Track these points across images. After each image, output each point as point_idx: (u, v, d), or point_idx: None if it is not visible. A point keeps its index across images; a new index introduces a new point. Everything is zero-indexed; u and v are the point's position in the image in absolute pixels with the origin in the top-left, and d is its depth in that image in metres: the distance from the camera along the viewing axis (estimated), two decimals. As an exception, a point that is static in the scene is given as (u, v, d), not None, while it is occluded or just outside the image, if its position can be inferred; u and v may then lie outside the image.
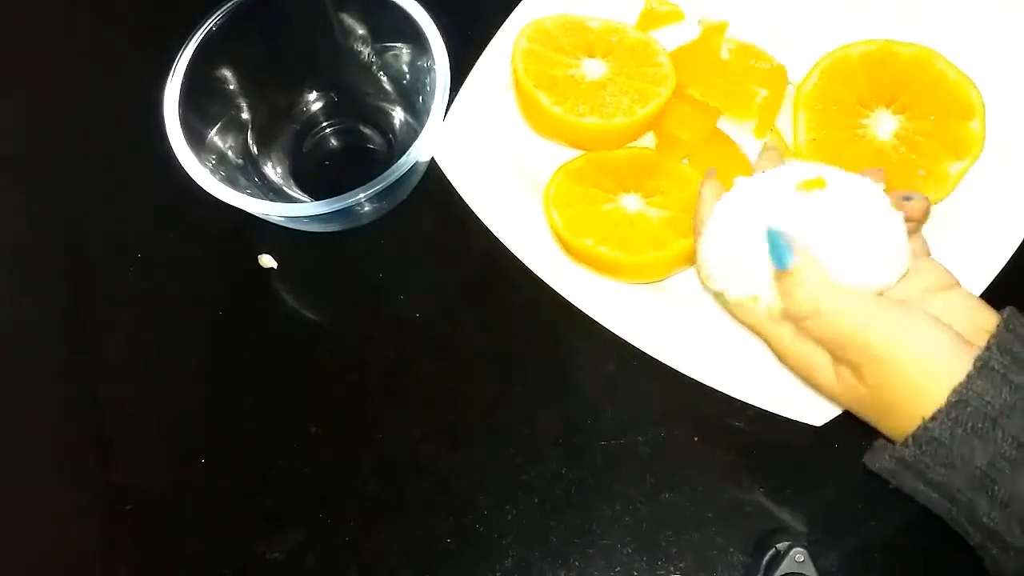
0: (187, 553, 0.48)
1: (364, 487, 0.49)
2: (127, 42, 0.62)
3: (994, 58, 0.49)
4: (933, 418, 0.34)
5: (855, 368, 0.37)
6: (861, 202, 0.39)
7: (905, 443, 0.35)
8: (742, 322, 0.42)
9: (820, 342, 0.39)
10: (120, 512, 0.49)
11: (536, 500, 0.48)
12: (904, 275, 0.39)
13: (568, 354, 0.51)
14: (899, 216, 0.39)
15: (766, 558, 0.44)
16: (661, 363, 0.47)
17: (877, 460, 0.37)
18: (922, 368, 0.35)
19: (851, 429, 0.47)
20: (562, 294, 0.48)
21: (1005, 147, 0.48)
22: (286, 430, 0.50)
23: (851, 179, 0.39)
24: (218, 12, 0.50)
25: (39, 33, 0.63)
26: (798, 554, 0.42)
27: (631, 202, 0.49)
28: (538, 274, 0.49)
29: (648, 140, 0.53)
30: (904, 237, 0.39)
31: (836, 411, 0.46)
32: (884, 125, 0.49)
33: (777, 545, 0.44)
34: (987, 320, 0.37)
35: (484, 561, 0.47)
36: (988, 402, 0.33)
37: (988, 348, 0.34)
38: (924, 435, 0.34)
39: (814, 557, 0.42)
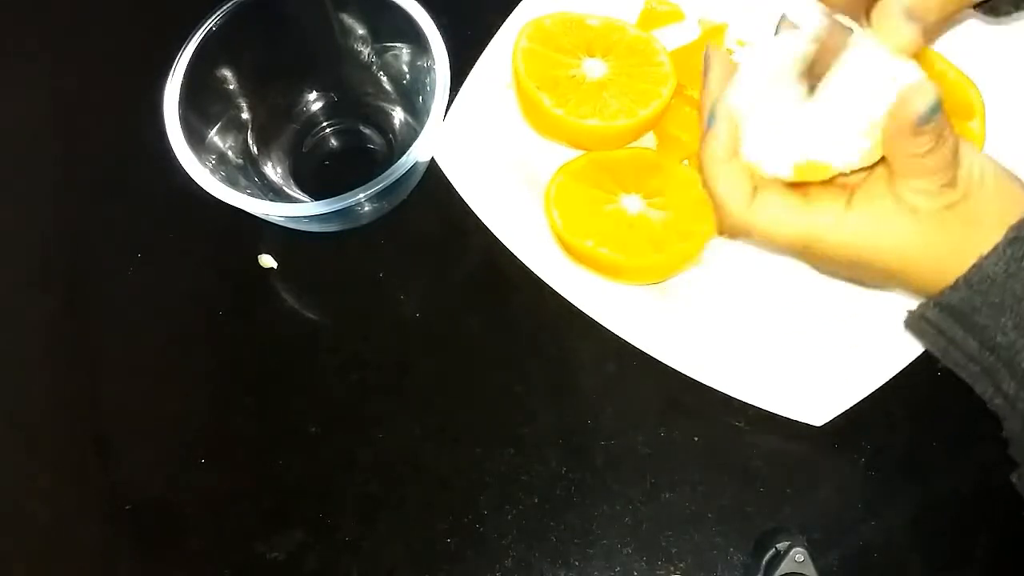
0: (187, 553, 0.48)
1: (364, 487, 0.49)
2: (127, 42, 0.62)
3: (994, 58, 0.49)
4: (987, 256, 0.34)
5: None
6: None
7: (955, 286, 0.35)
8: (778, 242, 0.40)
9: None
10: (120, 512, 0.49)
11: (536, 500, 0.48)
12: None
13: (568, 354, 0.51)
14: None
15: (766, 558, 0.44)
16: (661, 363, 0.47)
17: (919, 311, 0.37)
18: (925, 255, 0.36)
19: (851, 429, 0.47)
20: (562, 294, 0.48)
21: (1005, 147, 0.48)
22: (286, 430, 0.50)
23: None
24: (218, 12, 0.50)
25: (39, 33, 0.63)
26: (798, 554, 0.42)
27: (632, 203, 0.49)
28: (538, 274, 0.49)
29: (649, 140, 0.53)
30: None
31: (836, 411, 0.46)
32: (884, 125, 0.49)
33: (777, 545, 0.44)
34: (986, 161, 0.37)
35: (484, 561, 0.47)
36: None
37: None
38: (976, 273, 0.34)
39: (814, 557, 0.42)
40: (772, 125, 0.38)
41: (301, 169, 0.56)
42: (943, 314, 0.36)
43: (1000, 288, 0.34)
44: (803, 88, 0.39)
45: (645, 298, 0.49)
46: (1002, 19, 0.46)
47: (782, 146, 0.38)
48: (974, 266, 0.34)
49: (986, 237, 0.35)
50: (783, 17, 0.41)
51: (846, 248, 0.38)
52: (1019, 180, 0.37)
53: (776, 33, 0.41)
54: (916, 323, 0.38)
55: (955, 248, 0.36)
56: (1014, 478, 0.38)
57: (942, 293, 0.36)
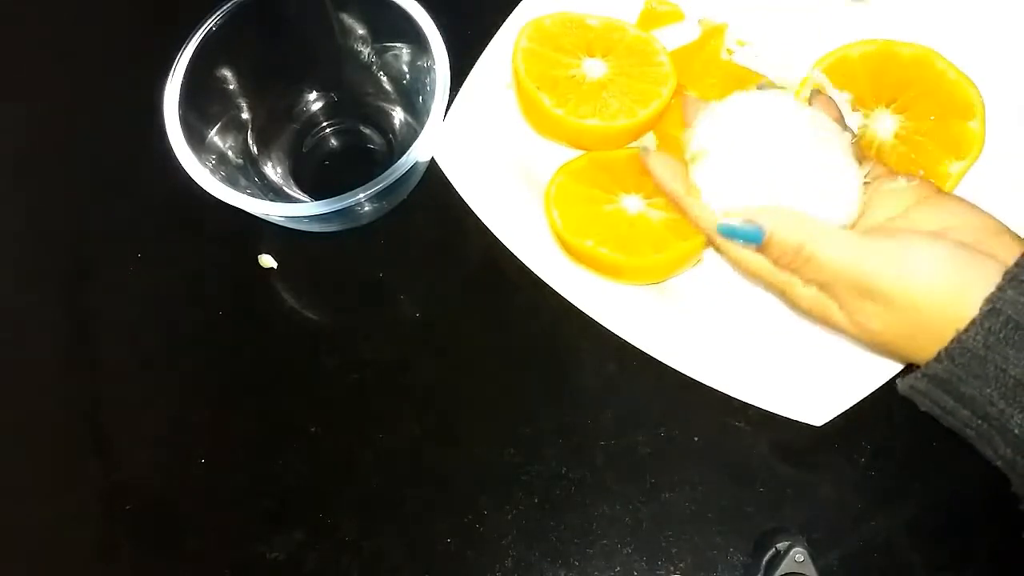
0: (187, 553, 0.48)
1: (364, 487, 0.49)
2: (127, 42, 0.62)
3: (994, 58, 0.49)
4: (966, 330, 0.34)
5: (865, 303, 0.37)
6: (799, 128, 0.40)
7: (938, 358, 0.35)
8: (751, 276, 0.42)
9: (821, 286, 0.39)
10: (120, 512, 0.49)
11: (536, 500, 0.48)
12: (865, 205, 0.40)
13: (568, 354, 0.51)
14: (838, 143, 0.40)
15: (766, 558, 0.44)
16: (661, 363, 0.47)
17: (909, 381, 0.37)
18: (933, 289, 0.35)
19: (851, 429, 0.47)
20: (562, 294, 0.48)
21: (1005, 147, 0.48)
22: (286, 430, 0.50)
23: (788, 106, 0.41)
24: (218, 12, 0.50)
25: (39, 33, 0.63)
26: (798, 554, 0.42)
27: (632, 203, 0.49)
28: (538, 274, 0.49)
29: (649, 140, 0.53)
30: (847, 166, 0.40)
31: (836, 411, 0.46)
32: (884, 125, 0.49)
33: (777, 545, 0.44)
34: (983, 221, 0.37)
35: (484, 561, 0.47)
36: (1021, 310, 0.33)
37: (1018, 264, 0.34)
38: (957, 348, 0.34)
39: (814, 557, 0.42)
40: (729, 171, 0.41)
41: (301, 169, 0.56)
42: (931, 384, 0.36)
43: (981, 361, 0.34)
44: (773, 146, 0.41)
45: (645, 298, 0.49)
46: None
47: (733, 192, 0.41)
48: (953, 340, 0.34)
49: (954, 316, 0.35)
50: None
51: (806, 315, 0.41)
52: (995, 242, 0.36)
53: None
54: (908, 391, 0.38)
55: (912, 338, 0.37)
56: None
57: (927, 365, 0.36)
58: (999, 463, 0.36)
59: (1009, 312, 0.33)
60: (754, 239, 0.39)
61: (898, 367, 0.46)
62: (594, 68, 0.51)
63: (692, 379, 0.47)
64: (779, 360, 0.47)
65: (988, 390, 0.34)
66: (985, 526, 0.47)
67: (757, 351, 0.48)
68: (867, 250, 0.37)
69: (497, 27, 0.53)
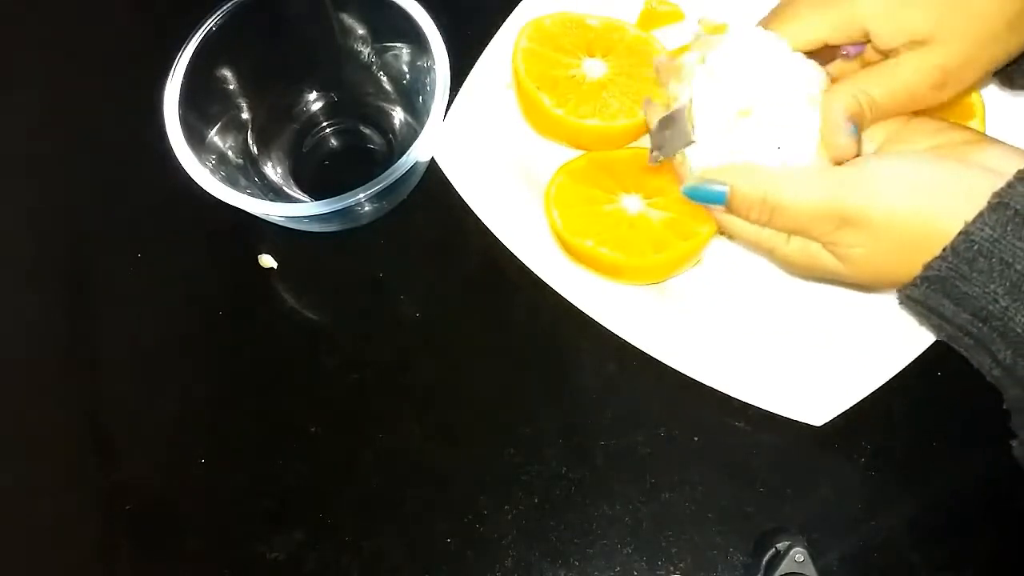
0: (187, 553, 0.48)
1: (364, 487, 0.49)
2: (127, 42, 0.62)
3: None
4: (973, 222, 0.34)
5: (845, 232, 0.37)
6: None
7: (941, 255, 0.35)
8: (743, 242, 0.42)
9: (801, 234, 0.39)
10: (120, 512, 0.49)
11: (536, 500, 0.48)
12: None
13: (568, 354, 0.51)
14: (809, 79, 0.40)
15: (766, 558, 0.44)
16: (661, 363, 0.47)
17: (905, 291, 0.37)
18: (908, 200, 0.35)
19: (851, 429, 0.47)
20: (562, 294, 0.48)
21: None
22: (286, 430, 0.50)
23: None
24: (218, 12, 0.50)
25: (39, 33, 0.63)
26: (798, 554, 0.42)
27: (632, 203, 0.49)
28: (538, 274, 0.49)
29: (649, 140, 0.53)
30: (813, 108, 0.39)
31: (836, 411, 0.46)
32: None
33: (777, 545, 0.44)
34: (961, 135, 0.37)
35: (484, 561, 0.47)
36: None
37: None
38: (963, 241, 0.34)
39: (814, 557, 0.42)
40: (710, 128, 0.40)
41: (301, 169, 0.56)
42: (930, 289, 0.36)
43: (987, 255, 0.34)
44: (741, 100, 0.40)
45: (645, 298, 0.49)
46: (1017, 91, 0.48)
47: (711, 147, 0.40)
48: (961, 233, 0.34)
49: (937, 226, 0.35)
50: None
51: (799, 272, 0.41)
52: (972, 149, 0.37)
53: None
54: (905, 301, 0.38)
55: (898, 257, 0.37)
56: (1014, 444, 0.37)
57: (927, 266, 0.35)
58: (996, 373, 0.36)
59: (1017, 206, 0.33)
60: (719, 199, 0.39)
61: (898, 368, 0.46)
62: (594, 68, 0.51)
63: (692, 379, 0.47)
64: (779, 360, 0.47)
65: (992, 286, 0.34)
66: (985, 526, 0.47)
67: (757, 351, 0.48)
68: (831, 181, 0.37)
69: (497, 27, 0.53)
